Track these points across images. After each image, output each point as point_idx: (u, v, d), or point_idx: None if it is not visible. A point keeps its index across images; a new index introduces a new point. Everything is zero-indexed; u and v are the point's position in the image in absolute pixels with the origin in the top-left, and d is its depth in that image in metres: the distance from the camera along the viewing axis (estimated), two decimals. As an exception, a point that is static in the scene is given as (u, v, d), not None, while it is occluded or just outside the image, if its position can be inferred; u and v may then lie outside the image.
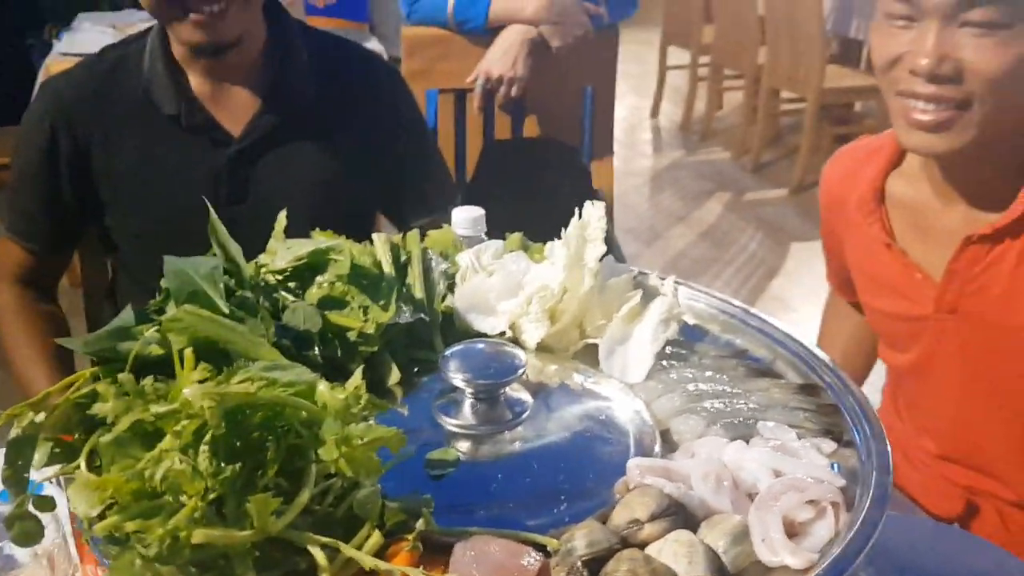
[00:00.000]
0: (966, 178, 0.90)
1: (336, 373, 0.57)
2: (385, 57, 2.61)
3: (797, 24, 3.77)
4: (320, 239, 0.69)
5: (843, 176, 1.05)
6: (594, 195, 1.69)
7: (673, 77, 5.09)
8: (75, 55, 2.18)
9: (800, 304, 2.92)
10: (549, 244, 0.78)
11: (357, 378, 0.51)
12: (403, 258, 0.72)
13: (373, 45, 2.56)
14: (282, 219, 0.70)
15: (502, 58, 1.61)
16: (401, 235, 0.74)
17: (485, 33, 1.64)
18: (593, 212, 0.76)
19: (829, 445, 0.58)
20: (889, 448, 0.55)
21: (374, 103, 1.20)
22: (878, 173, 0.98)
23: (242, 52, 1.11)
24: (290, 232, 1.15)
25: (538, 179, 1.67)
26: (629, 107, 5.06)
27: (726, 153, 4.51)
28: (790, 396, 0.63)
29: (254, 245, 0.70)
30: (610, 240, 0.80)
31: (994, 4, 0.77)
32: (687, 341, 0.71)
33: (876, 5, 3.08)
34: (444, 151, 1.67)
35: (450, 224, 1.26)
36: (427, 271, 0.72)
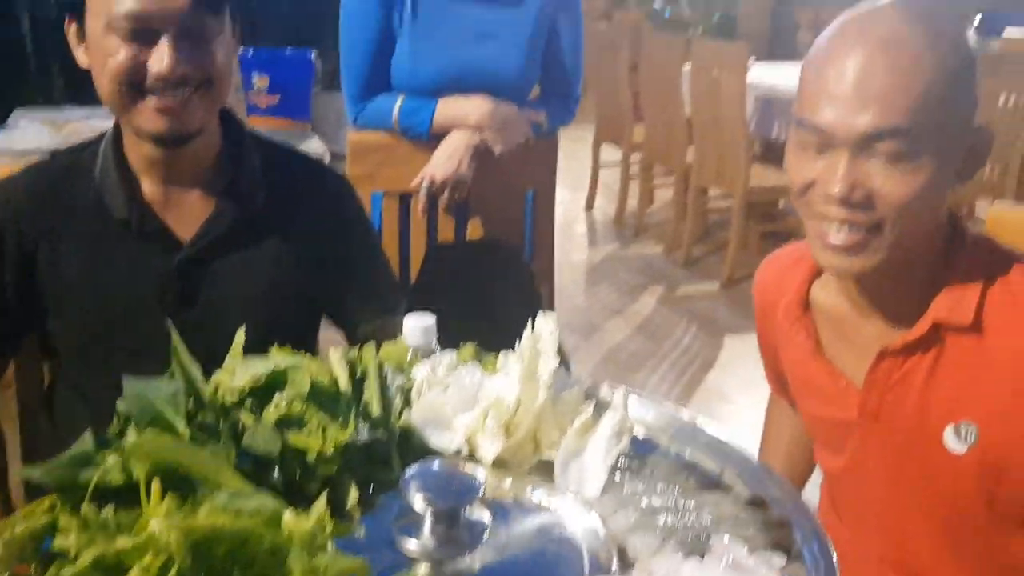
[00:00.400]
0: (879, 293, 0.95)
1: (295, 495, 0.57)
2: (327, 155, 2.66)
3: (722, 126, 3.95)
4: (278, 357, 0.70)
5: (772, 283, 1.10)
6: (536, 296, 1.74)
7: (606, 173, 5.26)
8: (11, 152, 2.16)
9: (736, 395, 2.98)
10: (502, 355, 0.80)
11: (321, 505, 0.51)
12: (359, 373, 0.73)
13: (315, 144, 2.59)
14: (240, 336, 0.71)
15: (446, 162, 1.65)
16: (357, 349, 0.75)
17: (430, 139, 1.68)
18: (545, 325, 0.78)
19: (780, 559, 0.60)
20: (836, 562, 0.57)
21: (322, 209, 1.22)
22: (802, 282, 1.02)
23: (198, 151, 1.12)
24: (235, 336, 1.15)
25: (482, 281, 1.70)
26: (565, 201, 5.19)
27: (658, 247, 4.64)
28: (740, 509, 0.65)
29: (203, 349, 0.71)
30: (561, 350, 0.82)
31: (900, 137, 0.82)
32: (638, 454, 0.73)
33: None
34: (388, 253, 1.69)
35: (396, 328, 1.29)
36: (384, 387, 0.72)
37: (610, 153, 5.09)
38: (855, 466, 1.02)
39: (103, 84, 1.04)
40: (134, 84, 1.03)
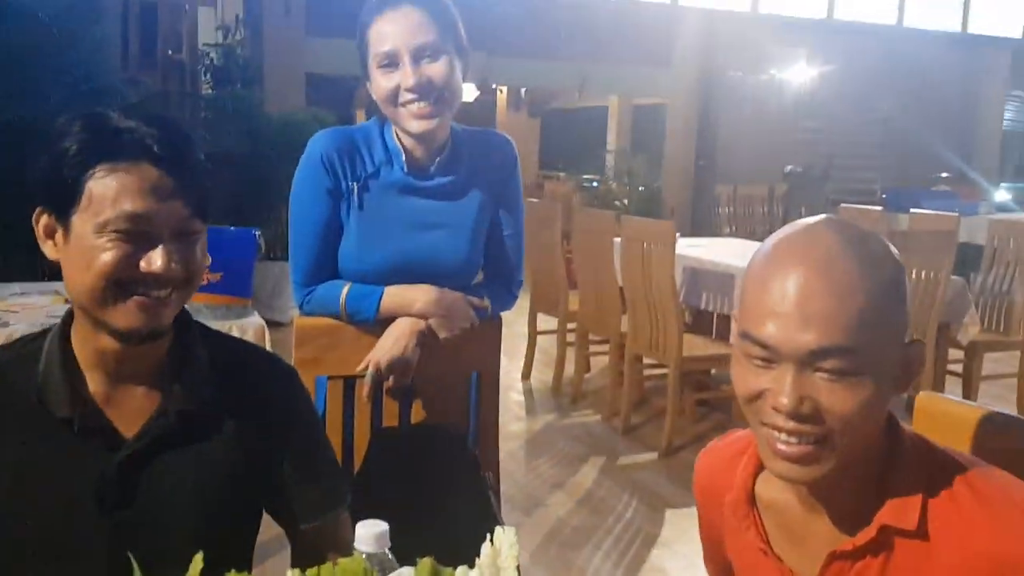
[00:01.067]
0: (825, 495, 0.96)
1: None
2: (266, 329, 2.64)
3: (653, 297, 4.08)
4: (230, 587, 0.67)
5: (714, 474, 1.10)
6: (482, 482, 1.71)
7: (543, 341, 5.32)
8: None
9: (680, 575, 2.93)
10: (460, 571, 0.78)
11: None
12: (313, 598, 0.69)
13: (255, 320, 2.58)
14: (198, 561, 0.67)
15: (392, 348, 1.66)
16: (315, 570, 0.72)
17: (375, 325, 1.69)
18: (505, 538, 0.76)
19: None
20: None
21: (270, 406, 1.20)
22: (747, 477, 1.03)
23: (155, 346, 1.11)
24: (176, 536, 1.10)
25: (426, 466, 1.67)
26: (501, 370, 5.19)
27: (597, 415, 4.65)
28: None
29: (141, 549, 0.67)
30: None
31: (843, 355, 0.86)
32: None
33: (720, 280, 3.39)
34: (332, 438, 1.67)
35: (341, 524, 1.25)
36: (339, 614, 0.69)
37: (545, 321, 5.17)
38: None
39: (84, 280, 1.03)
40: (121, 282, 1.03)
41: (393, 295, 1.68)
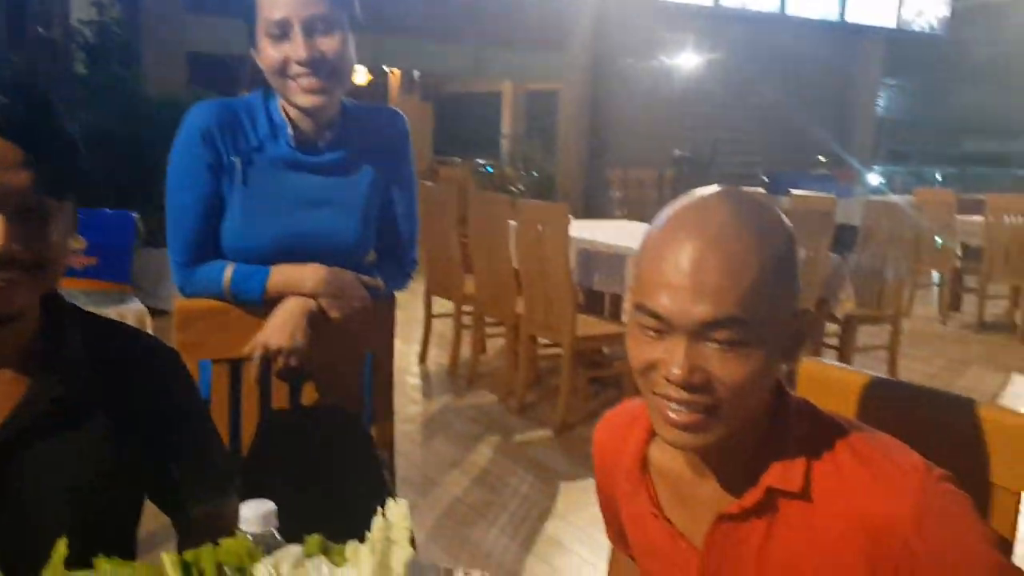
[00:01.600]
0: (714, 459, 0.99)
1: None
2: (148, 316, 2.54)
3: (548, 278, 4.12)
4: (104, 568, 0.64)
5: (610, 442, 1.12)
6: (377, 462, 1.69)
7: (438, 324, 5.31)
8: None
9: (576, 546, 2.97)
10: (351, 546, 0.76)
11: None
12: (195, 578, 0.67)
13: (135, 306, 2.48)
14: (61, 549, 0.64)
15: (280, 330, 1.61)
16: (194, 552, 0.70)
17: (262, 305, 1.64)
18: (397, 512, 0.76)
19: None
20: None
21: (151, 391, 1.15)
22: (640, 443, 1.05)
23: (14, 331, 1.04)
24: (50, 531, 1.04)
25: (318, 447, 1.64)
26: (397, 353, 5.13)
27: (493, 396, 4.67)
28: None
29: (12, 548, 0.63)
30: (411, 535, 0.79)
31: (734, 326, 0.88)
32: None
33: (613, 262, 3.45)
34: (218, 423, 1.61)
35: (229, 511, 1.21)
36: (223, 592, 0.67)
37: (441, 304, 5.16)
38: None
39: None
40: None
41: (281, 274, 1.63)
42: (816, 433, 0.96)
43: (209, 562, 0.68)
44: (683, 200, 0.95)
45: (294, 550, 0.76)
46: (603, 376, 4.79)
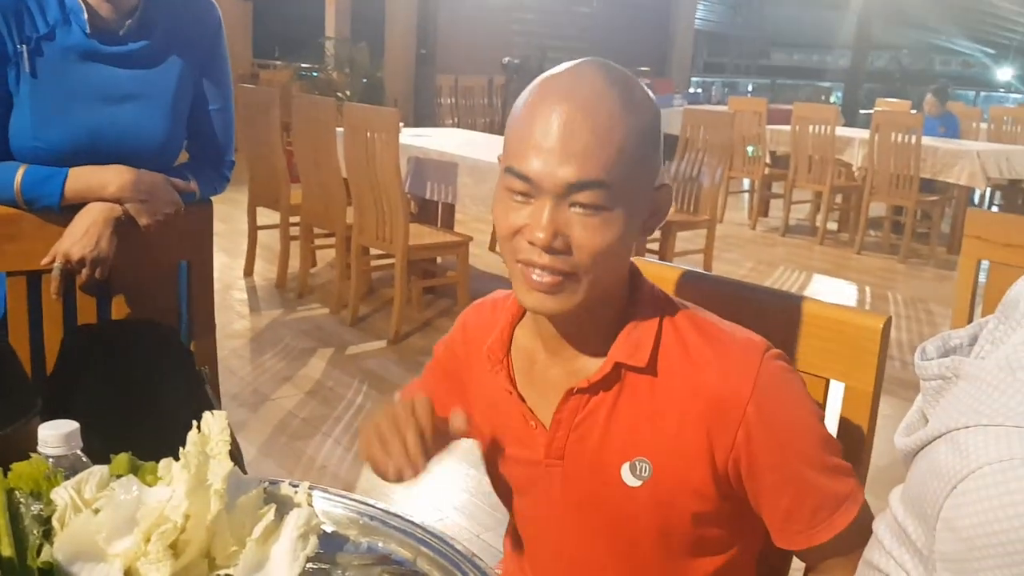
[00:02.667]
0: (569, 336, 1.01)
1: None
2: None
3: (379, 187, 4.02)
4: None
5: (477, 322, 1.13)
6: (198, 378, 1.60)
7: (264, 236, 5.10)
8: None
9: (411, 454, 3.00)
10: (164, 463, 0.71)
11: None
12: (-18, 507, 0.60)
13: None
14: None
15: (83, 238, 1.47)
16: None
17: (61, 212, 1.49)
18: (214, 424, 0.71)
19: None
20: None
21: None
22: (507, 325, 1.07)
23: None
24: None
25: (132, 364, 1.53)
26: (221, 267, 4.95)
27: (324, 309, 4.58)
28: (439, 599, 0.63)
29: None
30: (234, 447, 0.75)
31: (597, 189, 0.89)
32: (327, 553, 0.68)
33: (444, 169, 3.41)
34: (17, 343, 1.48)
35: (30, 438, 1.11)
36: (15, 518, 0.60)
37: (266, 215, 4.95)
38: (542, 506, 1.06)
39: None
40: None
41: (80, 178, 1.48)
42: (665, 314, 1.01)
43: (-2, 488, 0.61)
44: (556, 68, 0.96)
45: (100, 470, 0.69)
46: (436, 286, 4.79)
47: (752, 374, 0.95)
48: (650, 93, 0.96)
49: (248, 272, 5.05)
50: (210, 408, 1.55)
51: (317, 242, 4.90)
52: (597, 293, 0.95)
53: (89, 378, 1.49)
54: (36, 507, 0.63)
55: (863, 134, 6.94)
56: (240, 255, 5.12)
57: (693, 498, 0.99)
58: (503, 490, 1.14)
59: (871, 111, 7.85)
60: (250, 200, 4.94)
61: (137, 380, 1.50)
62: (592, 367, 1.00)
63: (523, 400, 1.04)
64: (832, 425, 1.18)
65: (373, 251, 4.45)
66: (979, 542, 0.71)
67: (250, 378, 3.65)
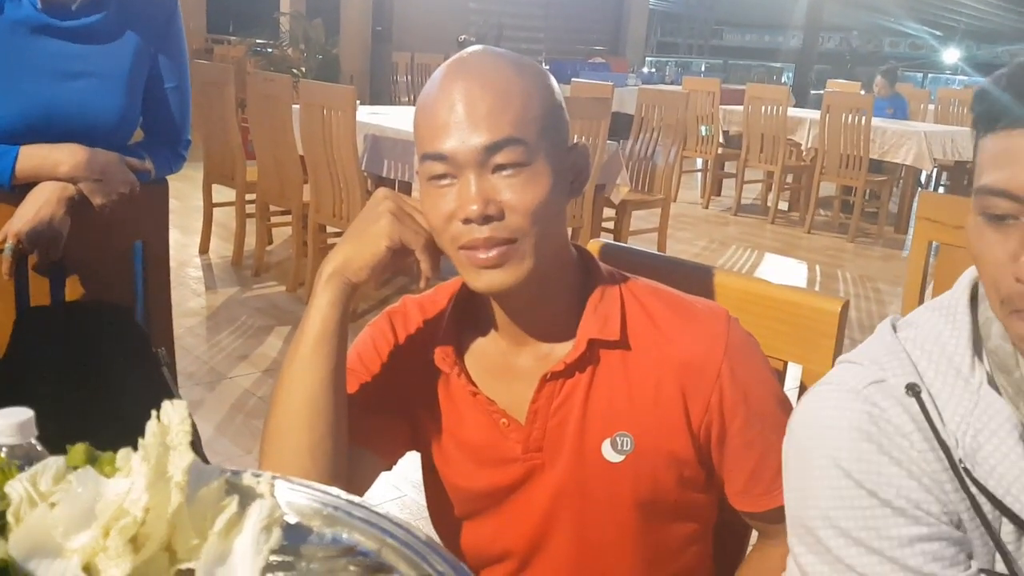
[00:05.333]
0: (531, 322, 1.01)
1: None
2: None
3: (336, 165, 3.98)
4: None
5: (407, 332, 1.08)
6: (154, 359, 1.58)
7: (220, 214, 5.02)
8: None
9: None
10: (122, 453, 0.69)
11: None
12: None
13: None
14: None
15: (35, 217, 1.43)
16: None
17: (13, 191, 1.45)
18: (174, 413, 0.69)
19: (450, 636, 0.58)
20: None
21: None
22: (452, 327, 1.04)
23: None
24: None
25: (86, 346, 1.50)
26: (176, 246, 4.86)
27: (281, 287, 4.53)
28: (405, 589, 0.63)
29: None
30: (195, 437, 0.73)
31: (512, 147, 0.90)
32: (291, 545, 0.67)
33: (401, 147, 3.38)
34: (-37, 326, 1.44)
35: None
36: (-31, 515, 0.59)
37: (221, 193, 4.87)
38: (517, 507, 1.05)
39: None
40: None
41: (31, 156, 1.44)
42: (629, 291, 1.02)
43: (-51, 483, 0.59)
44: (450, 58, 0.98)
45: (56, 462, 0.67)
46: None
47: (723, 338, 0.98)
48: (542, 67, 1.00)
49: (203, 250, 4.98)
50: (168, 390, 1.54)
51: (273, 220, 4.84)
52: (544, 259, 0.95)
53: (43, 362, 1.47)
54: (-10, 502, 0.61)
55: (814, 115, 7.04)
56: (195, 233, 5.04)
57: (674, 466, 1.01)
58: (462, 510, 1.09)
59: (821, 92, 7.94)
60: (205, 177, 4.86)
61: (92, 363, 1.47)
62: (562, 351, 1.00)
63: (491, 400, 1.02)
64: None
65: (330, 229, 4.41)
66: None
67: (206, 357, 3.60)
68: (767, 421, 1.00)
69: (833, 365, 1.18)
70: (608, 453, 1.00)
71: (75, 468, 0.67)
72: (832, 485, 0.82)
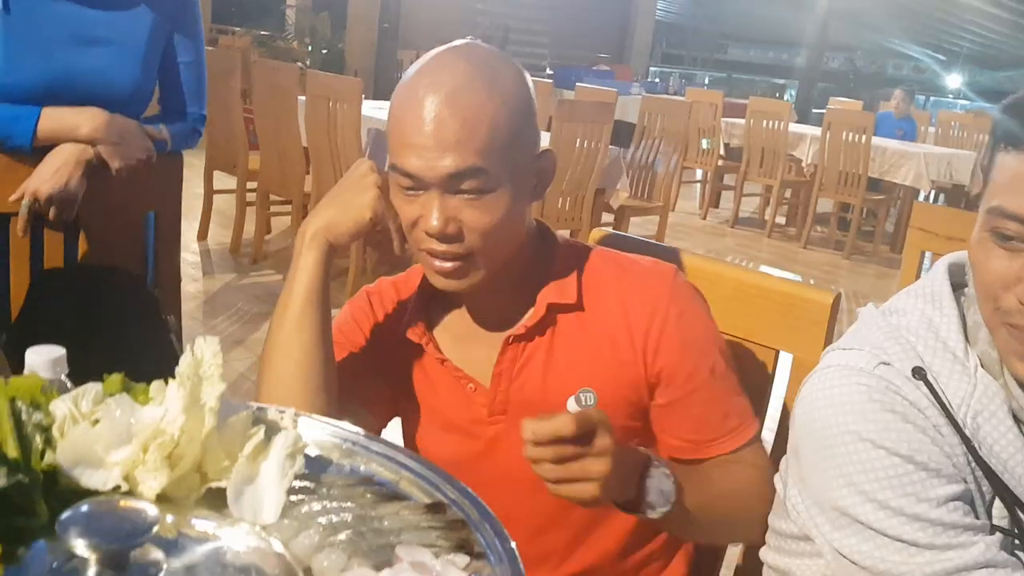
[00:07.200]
0: (492, 294, 1.06)
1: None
2: None
3: (339, 157, 4.01)
4: None
5: (393, 303, 1.14)
6: (163, 324, 1.62)
7: (220, 202, 5.05)
8: None
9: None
10: (155, 384, 0.74)
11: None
12: (-14, 412, 0.62)
13: None
14: None
15: (53, 177, 1.47)
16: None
17: (33, 152, 1.49)
18: (207, 348, 0.74)
19: (462, 559, 0.63)
20: (515, 547, 0.62)
21: None
22: (421, 301, 1.11)
23: None
24: None
25: (99, 308, 1.54)
26: (174, 229, 4.89)
27: (278, 275, 4.56)
28: (420, 516, 0.67)
29: None
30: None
31: (477, 175, 0.94)
32: (312, 474, 0.72)
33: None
34: (-19, 281, 1.47)
35: None
36: (19, 425, 0.63)
37: (222, 180, 4.90)
38: (484, 470, 1.07)
39: None
40: None
41: (53, 118, 1.48)
42: (580, 256, 1.09)
43: (2, 397, 0.64)
44: (424, 58, 0.99)
45: (95, 387, 0.72)
46: (392, 259, 4.80)
47: (668, 283, 1.05)
48: (518, 66, 1.01)
49: (202, 236, 5.01)
50: (176, 356, 1.58)
51: (273, 209, 4.87)
52: (499, 263, 1.01)
53: (55, 323, 1.50)
54: (37, 416, 0.65)
55: (815, 131, 7.10)
56: (194, 218, 5.07)
57: (636, 415, 1.07)
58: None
59: (823, 110, 8.01)
60: (207, 164, 4.89)
61: (105, 323, 1.51)
62: (522, 316, 1.06)
63: (458, 368, 1.08)
64: (779, 393, 1.25)
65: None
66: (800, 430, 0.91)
67: (202, 341, 3.64)
68: (714, 371, 1.06)
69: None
70: (573, 410, 1.03)
71: (112, 394, 0.72)
72: (862, 459, 0.84)
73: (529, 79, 1.01)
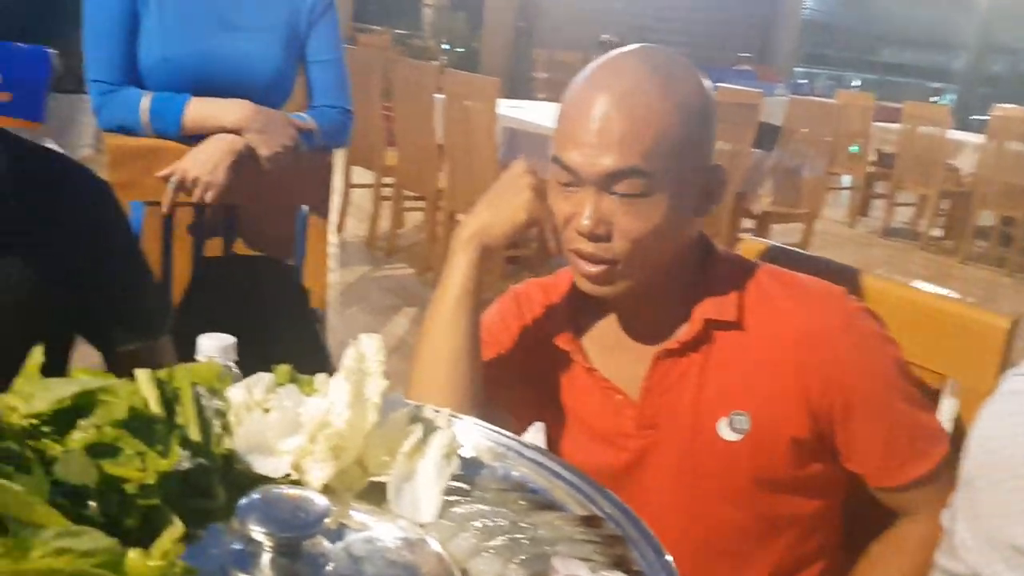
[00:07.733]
0: (645, 312, 1.04)
1: (112, 529, 0.50)
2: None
3: (473, 155, 4.07)
4: (83, 377, 0.62)
5: (532, 310, 1.13)
6: (312, 314, 1.68)
7: (356, 195, 5.21)
8: None
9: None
10: (320, 377, 0.76)
11: (167, 542, 0.46)
12: (170, 396, 0.66)
13: (51, 145, 2.33)
14: (37, 356, 0.62)
15: (203, 162, 1.54)
16: (167, 370, 0.68)
17: (183, 139, 1.58)
18: (370, 344, 0.75)
19: None
20: (675, 568, 0.60)
21: (80, 220, 1.10)
22: (568, 306, 1.09)
23: None
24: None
25: (253, 297, 1.61)
26: (314, 221, 5.08)
27: (410, 269, 4.67)
28: (575, 528, 0.66)
29: None
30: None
31: (636, 177, 0.92)
32: (467, 475, 0.72)
33: (538, 142, 3.41)
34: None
35: (161, 350, 1.18)
36: (200, 410, 0.66)
37: (359, 174, 5.05)
38: (633, 483, 1.06)
39: None
40: None
41: (200, 104, 1.57)
42: (745, 274, 1.04)
43: (184, 381, 0.67)
44: (601, 58, 0.98)
45: (267, 376, 0.75)
46: (520, 256, 4.83)
47: (840, 310, 1.00)
48: (700, 76, 0.97)
49: (339, 228, 5.18)
50: (322, 346, 1.63)
51: (408, 204, 4.99)
52: (648, 274, 0.98)
53: (213, 308, 1.58)
54: (214, 403, 0.69)
55: (975, 139, 6.66)
56: (332, 210, 5.24)
57: (792, 444, 1.01)
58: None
59: (984, 116, 7.53)
60: (347, 158, 5.05)
61: (259, 311, 1.58)
62: (677, 330, 1.03)
63: (605, 378, 1.06)
64: (947, 423, 1.17)
65: (461, 217, 4.50)
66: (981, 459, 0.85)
67: (338, 329, 3.75)
68: (896, 392, 1.00)
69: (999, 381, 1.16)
70: (724, 432, 1.01)
71: (281, 385, 0.75)
72: None
73: (711, 89, 0.98)
